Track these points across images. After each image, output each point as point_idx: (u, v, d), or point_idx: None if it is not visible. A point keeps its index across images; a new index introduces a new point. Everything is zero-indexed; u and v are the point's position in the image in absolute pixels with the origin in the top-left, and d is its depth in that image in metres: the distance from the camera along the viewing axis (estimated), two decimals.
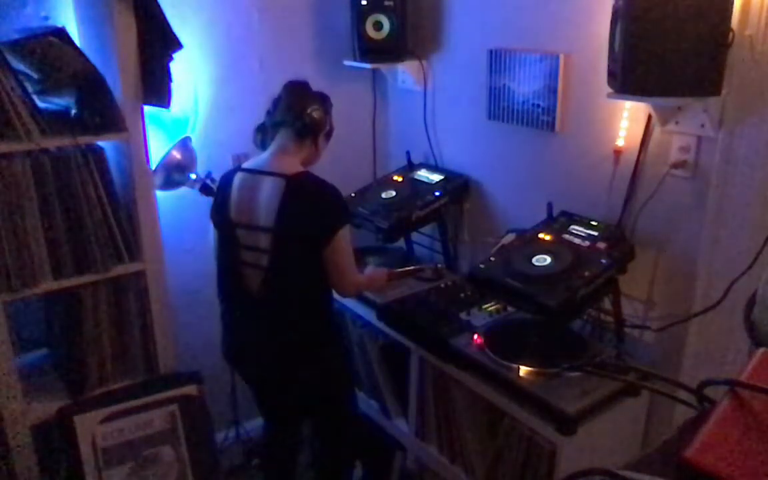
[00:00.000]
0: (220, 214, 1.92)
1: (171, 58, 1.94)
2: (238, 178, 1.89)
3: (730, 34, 1.49)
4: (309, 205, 1.81)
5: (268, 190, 1.82)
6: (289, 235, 1.81)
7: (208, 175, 2.32)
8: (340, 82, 2.64)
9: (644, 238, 1.84)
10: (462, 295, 2.17)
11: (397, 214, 2.30)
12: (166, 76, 1.93)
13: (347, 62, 2.52)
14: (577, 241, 1.83)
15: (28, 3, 1.93)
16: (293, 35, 2.49)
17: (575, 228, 1.88)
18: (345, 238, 1.85)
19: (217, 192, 1.97)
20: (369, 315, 2.23)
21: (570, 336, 1.90)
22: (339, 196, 1.86)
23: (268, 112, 1.96)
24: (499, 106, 2.22)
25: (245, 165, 1.93)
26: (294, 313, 1.87)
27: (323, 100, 1.97)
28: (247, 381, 2.17)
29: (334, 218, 1.83)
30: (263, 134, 1.98)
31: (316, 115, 1.89)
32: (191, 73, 2.27)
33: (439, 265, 2.41)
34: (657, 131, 1.78)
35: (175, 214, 2.33)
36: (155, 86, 1.90)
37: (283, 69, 2.49)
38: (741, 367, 0.77)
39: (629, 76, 1.53)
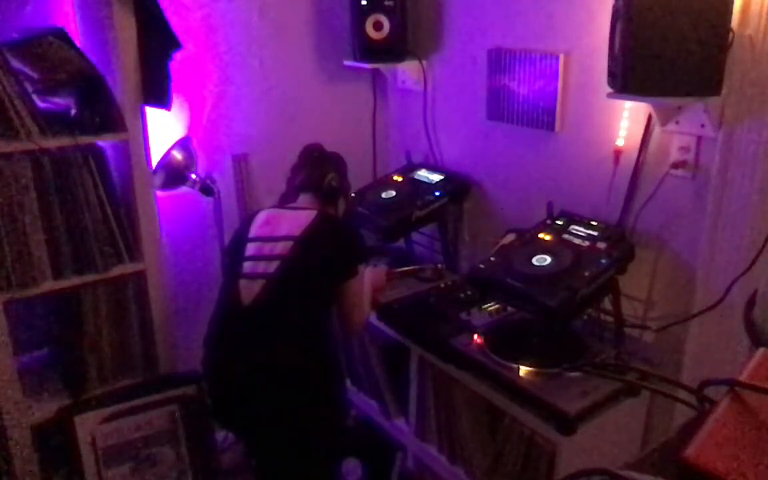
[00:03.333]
0: (232, 244, 1.94)
1: (171, 58, 1.94)
2: (263, 211, 1.95)
3: (730, 34, 1.49)
4: (338, 235, 1.91)
5: (299, 214, 1.89)
6: (312, 250, 1.81)
7: (208, 175, 2.32)
8: (340, 82, 2.64)
9: (644, 238, 1.84)
10: (462, 295, 2.17)
11: (397, 214, 2.30)
12: (166, 77, 1.93)
13: (347, 62, 2.52)
14: (577, 241, 1.83)
15: (28, 3, 1.93)
16: (293, 35, 2.49)
17: (575, 228, 1.88)
18: (363, 276, 1.95)
19: (234, 233, 1.98)
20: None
21: (570, 336, 1.89)
22: (362, 237, 2.02)
23: (288, 180, 2.07)
24: (499, 106, 2.22)
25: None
26: (286, 328, 1.76)
27: (338, 164, 2.08)
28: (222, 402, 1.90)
29: (358, 254, 1.92)
30: (285, 198, 2.07)
31: (334, 183, 2.01)
32: (191, 73, 2.27)
33: (439, 265, 2.42)
34: (657, 131, 1.77)
35: (175, 214, 2.33)
36: (155, 86, 1.90)
37: (283, 69, 2.49)
38: (741, 367, 0.77)
39: (629, 76, 1.53)
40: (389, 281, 2.28)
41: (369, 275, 2.11)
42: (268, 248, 1.82)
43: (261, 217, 1.93)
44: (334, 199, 2.03)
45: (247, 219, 1.99)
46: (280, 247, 1.81)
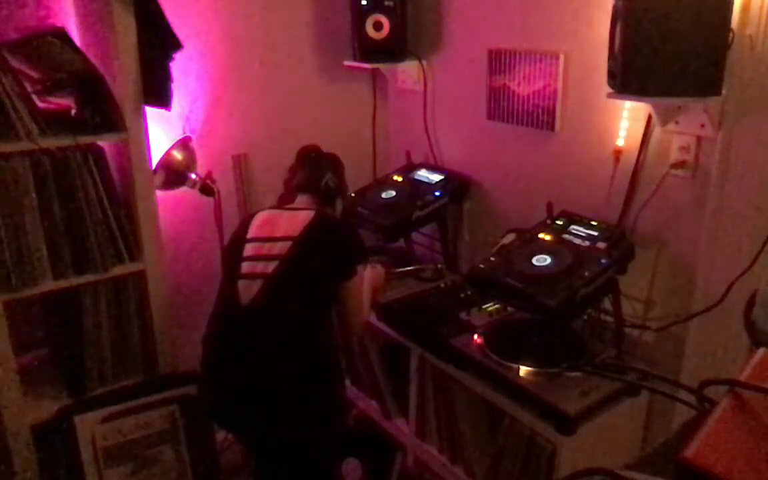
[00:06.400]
0: (231, 245, 1.93)
1: (171, 59, 1.94)
2: (261, 212, 1.95)
3: (730, 34, 1.49)
4: (337, 235, 1.91)
5: (297, 215, 1.89)
6: (311, 250, 1.81)
7: (208, 175, 2.32)
8: (340, 82, 2.64)
9: (644, 238, 1.84)
10: (462, 295, 2.16)
11: (397, 214, 2.30)
12: (167, 77, 1.93)
13: (347, 62, 2.52)
14: (577, 241, 1.83)
15: (28, 3, 1.93)
16: (293, 35, 2.49)
17: (575, 228, 1.88)
18: (362, 276, 1.95)
19: (233, 234, 1.97)
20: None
21: (570, 336, 1.89)
22: (361, 237, 2.00)
23: (286, 181, 2.09)
24: (499, 106, 2.22)
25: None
26: (285, 328, 1.76)
27: (336, 165, 2.09)
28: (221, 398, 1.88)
29: (357, 254, 1.92)
30: (283, 199, 2.09)
31: (332, 184, 2.03)
32: (191, 73, 2.27)
33: (439, 265, 2.42)
34: (657, 131, 1.77)
35: (175, 214, 2.33)
36: (155, 87, 1.90)
37: (283, 69, 2.49)
38: (741, 367, 0.77)
39: (629, 76, 1.53)
40: (389, 281, 2.28)
41: (368, 275, 2.12)
42: (266, 248, 1.82)
43: (259, 217, 1.93)
44: (331, 200, 2.04)
45: (245, 220, 1.99)
46: (279, 248, 1.81)
